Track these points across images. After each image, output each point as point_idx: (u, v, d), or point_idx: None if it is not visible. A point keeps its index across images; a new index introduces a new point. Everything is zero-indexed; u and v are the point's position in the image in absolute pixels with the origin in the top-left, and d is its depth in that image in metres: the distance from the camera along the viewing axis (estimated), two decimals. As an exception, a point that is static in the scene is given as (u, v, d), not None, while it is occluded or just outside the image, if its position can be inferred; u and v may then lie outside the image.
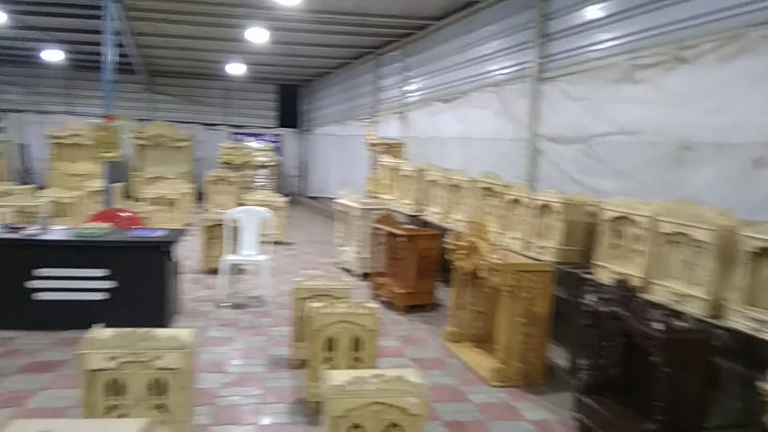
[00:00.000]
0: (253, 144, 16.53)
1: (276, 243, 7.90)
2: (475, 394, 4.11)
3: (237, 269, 6.68)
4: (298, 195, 17.72)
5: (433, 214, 6.99)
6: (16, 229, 5.11)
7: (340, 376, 2.65)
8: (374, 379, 2.57)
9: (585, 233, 4.72)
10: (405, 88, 10.70)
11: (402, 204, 7.82)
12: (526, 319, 4.27)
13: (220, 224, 6.91)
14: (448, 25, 8.96)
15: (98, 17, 8.80)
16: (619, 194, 4.66)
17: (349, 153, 13.61)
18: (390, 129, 10.97)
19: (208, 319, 5.60)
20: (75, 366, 4.10)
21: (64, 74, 17.01)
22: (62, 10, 10.15)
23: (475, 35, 8.09)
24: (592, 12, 5.78)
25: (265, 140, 18.02)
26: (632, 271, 3.91)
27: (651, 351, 3.20)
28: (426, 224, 7.32)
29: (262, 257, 6.26)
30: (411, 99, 10.45)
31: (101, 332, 2.84)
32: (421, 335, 5.38)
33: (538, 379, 4.37)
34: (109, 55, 8.33)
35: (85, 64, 15.81)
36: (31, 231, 5.04)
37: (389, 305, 6.11)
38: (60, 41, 13.29)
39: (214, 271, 7.03)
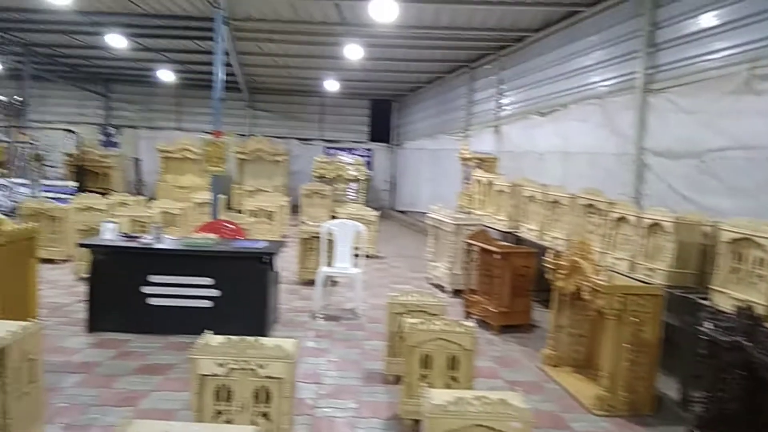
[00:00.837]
0: (346, 158, 16.92)
1: (367, 256, 7.99)
2: (576, 422, 3.91)
3: (331, 281, 6.81)
4: (388, 209, 17.90)
5: (528, 231, 6.78)
6: (133, 238, 5.49)
7: (440, 396, 2.61)
8: (476, 401, 2.50)
9: (699, 255, 4.40)
10: (500, 102, 10.56)
11: (495, 220, 7.66)
12: (633, 346, 4.02)
13: (316, 236, 7.09)
14: (547, 36, 8.77)
15: (208, 39, 9.39)
16: (736, 213, 4.32)
17: (440, 167, 13.59)
18: (483, 143, 10.85)
19: (304, 329, 5.73)
20: (183, 370, 4.36)
21: (174, 92, 18.30)
22: (176, 32, 10.94)
23: (575, 46, 7.86)
24: (708, 19, 5.43)
25: (357, 154, 18.41)
26: (756, 298, 3.58)
27: (779, 386, 2.91)
28: (520, 241, 7.13)
29: (355, 270, 6.34)
30: (506, 112, 10.29)
31: (212, 338, 2.96)
32: (516, 357, 5.21)
33: (645, 410, 4.09)
34: (219, 75, 8.84)
35: (193, 82, 16.94)
36: (146, 240, 5.40)
37: (482, 324, 5.97)
38: (172, 61, 14.31)
39: (309, 283, 7.21)
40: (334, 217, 9.82)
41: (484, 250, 6.28)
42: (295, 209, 13.93)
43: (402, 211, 17.11)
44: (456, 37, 10.13)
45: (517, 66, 9.91)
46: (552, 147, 8.27)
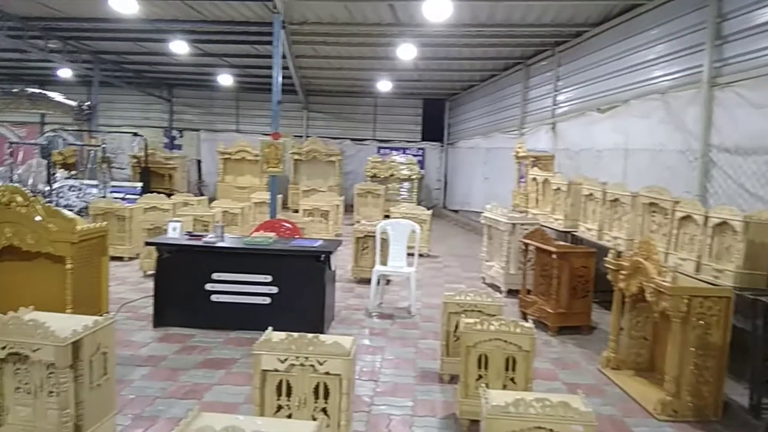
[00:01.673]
0: (398, 158, 16.98)
1: (420, 255, 7.99)
2: (639, 427, 3.80)
3: (385, 280, 6.86)
4: (441, 208, 17.85)
5: (587, 230, 6.63)
6: (196, 237, 5.70)
7: (499, 396, 2.60)
8: (537, 403, 2.48)
9: (772, 256, 4.19)
10: (556, 98, 10.34)
11: (552, 219, 7.52)
12: (699, 349, 3.88)
13: (371, 235, 7.15)
14: (606, 30, 8.53)
15: (266, 43, 9.62)
16: (815, 213, 4.08)
17: (494, 166, 13.44)
18: (539, 141, 10.66)
19: (360, 327, 5.80)
20: (244, 365, 4.49)
21: (233, 96, 18.85)
22: (236, 37, 11.26)
23: (636, 40, 7.61)
24: (781, 8, 5.15)
25: (410, 154, 18.44)
26: (835, 301, 3.39)
27: None
28: (578, 241, 6.98)
29: (409, 269, 6.36)
30: (562, 109, 10.07)
31: (273, 335, 3.05)
32: (575, 359, 5.11)
33: (711, 416, 3.94)
34: (277, 78, 9.05)
35: (251, 86, 17.40)
36: (209, 238, 5.59)
37: (539, 325, 5.86)
38: (231, 66, 14.74)
39: (363, 281, 7.29)
40: (387, 217, 9.88)
41: (540, 249, 6.18)
42: (348, 209, 14.08)
43: (455, 210, 17.02)
44: (511, 33, 9.98)
45: (575, 62, 9.67)
46: (611, 144, 8.04)
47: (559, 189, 7.45)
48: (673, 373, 3.93)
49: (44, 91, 14.54)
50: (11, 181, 11.52)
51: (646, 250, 4.29)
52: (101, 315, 3.31)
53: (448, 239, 12.44)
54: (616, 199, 6.00)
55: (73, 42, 12.92)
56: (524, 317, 6.16)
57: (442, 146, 19.18)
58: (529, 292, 6.40)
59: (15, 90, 14.28)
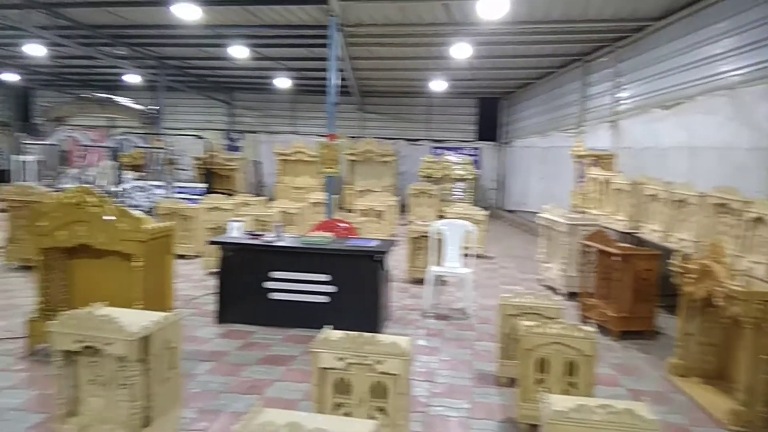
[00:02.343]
0: (452, 158, 16.86)
1: (477, 256, 7.91)
2: (708, 437, 3.65)
3: (440, 281, 6.83)
4: (496, 208, 17.62)
5: (651, 232, 6.40)
6: (257, 236, 5.85)
7: (561, 402, 2.55)
8: (600, 410, 2.41)
9: None
10: (617, 95, 10.04)
11: (613, 220, 7.30)
12: (774, 358, 3.68)
13: (425, 236, 7.14)
14: (669, 24, 8.23)
15: (323, 45, 9.76)
16: None
17: (551, 165, 13.17)
18: (599, 139, 10.37)
19: (415, 327, 5.80)
20: (302, 362, 4.58)
21: (290, 98, 19.23)
22: (293, 41, 11.50)
23: (702, 33, 7.30)
24: None
25: (464, 154, 18.29)
26: None
27: None
28: (642, 243, 6.74)
29: (465, 270, 6.31)
30: (623, 106, 9.77)
31: (331, 333, 3.09)
32: (638, 365, 4.94)
33: (788, 429, 3.73)
34: (333, 80, 9.17)
35: (307, 88, 17.70)
36: (268, 238, 5.73)
37: (600, 329, 5.70)
38: (288, 69, 15.04)
39: (418, 281, 7.29)
40: (441, 217, 9.84)
41: (602, 251, 6.00)
42: (403, 209, 14.10)
43: (510, 211, 16.77)
44: (569, 30, 9.76)
45: (637, 57, 9.36)
46: (676, 142, 7.74)
47: (621, 189, 7.22)
48: (745, 382, 3.74)
49: (112, 96, 15.24)
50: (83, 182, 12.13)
51: (715, 252, 4.10)
52: (169, 311, 3.42)
53: (505, 240, 12.27)
54: (682, 200, 5.77)
55: (140, 48, 13.50)
56: (585, 321, 6.00)
57: (498, 145, 18.93)
58: (590, 295, 6.23)
59: (85, 95, 15.05)
